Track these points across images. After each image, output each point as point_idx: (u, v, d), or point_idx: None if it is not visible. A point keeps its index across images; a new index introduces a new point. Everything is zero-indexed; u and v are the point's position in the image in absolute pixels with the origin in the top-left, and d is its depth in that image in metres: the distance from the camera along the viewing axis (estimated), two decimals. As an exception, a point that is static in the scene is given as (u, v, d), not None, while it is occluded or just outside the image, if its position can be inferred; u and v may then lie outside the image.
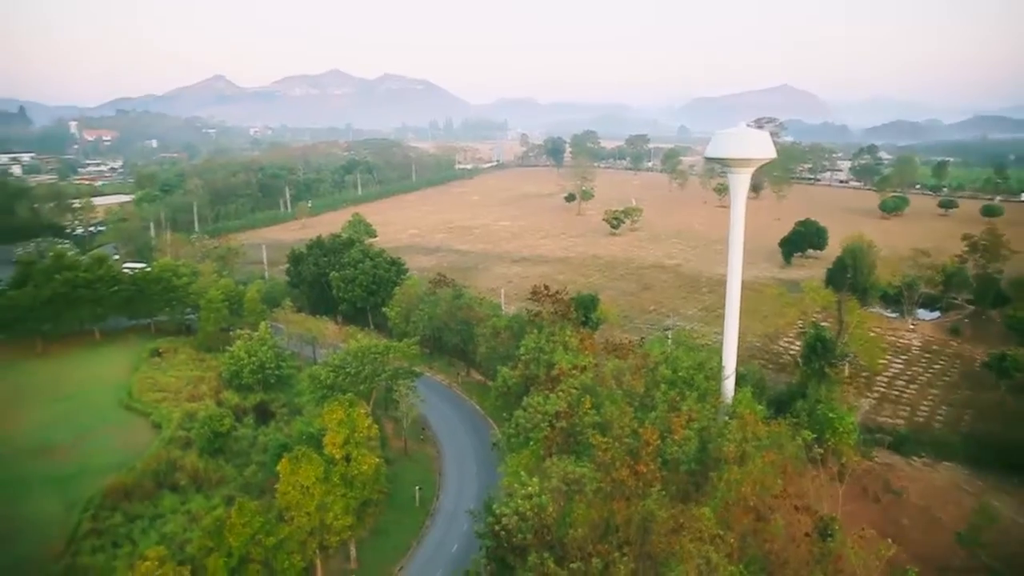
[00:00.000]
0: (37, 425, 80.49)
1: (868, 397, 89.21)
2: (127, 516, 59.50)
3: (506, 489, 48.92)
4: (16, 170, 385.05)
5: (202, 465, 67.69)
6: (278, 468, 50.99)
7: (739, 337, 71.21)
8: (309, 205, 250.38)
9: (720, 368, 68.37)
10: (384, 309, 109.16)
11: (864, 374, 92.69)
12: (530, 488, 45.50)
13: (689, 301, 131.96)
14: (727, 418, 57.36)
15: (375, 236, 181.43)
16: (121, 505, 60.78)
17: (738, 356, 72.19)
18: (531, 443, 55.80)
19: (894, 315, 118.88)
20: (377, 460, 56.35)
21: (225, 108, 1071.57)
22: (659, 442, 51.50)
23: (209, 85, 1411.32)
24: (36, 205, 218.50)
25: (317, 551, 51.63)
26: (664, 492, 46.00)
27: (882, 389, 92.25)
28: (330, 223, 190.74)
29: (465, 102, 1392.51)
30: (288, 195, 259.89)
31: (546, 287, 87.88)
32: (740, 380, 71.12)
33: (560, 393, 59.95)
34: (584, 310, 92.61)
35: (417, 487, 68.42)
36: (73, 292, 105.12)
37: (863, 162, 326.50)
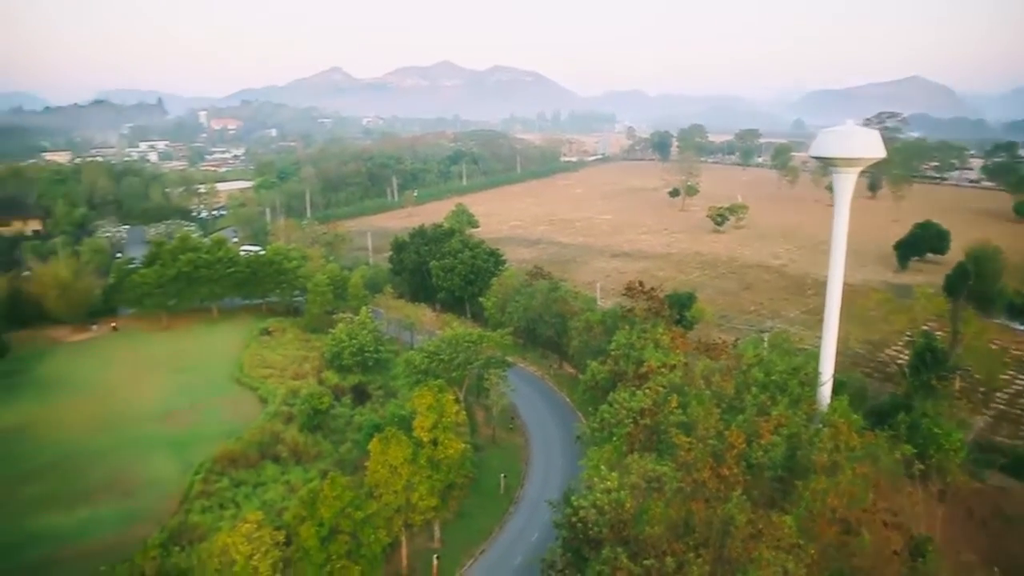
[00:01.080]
0: (160, 392, 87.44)
1: (984, 414, 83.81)
2: (233, 481, 63.95)
3: (586, 482, 49.51)
4: (152, 157, 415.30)
5: (302, 440, 71.62)
6: (369, 447, 53.58)
7: (841, 343, 68.66)
8: (415, 194, 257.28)
9: (816, 374, 66.14)
10: (481, 299, 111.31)
11: (981, 389, 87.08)
12: (609, 483, 45.91)
13: (792, 303, 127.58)
14: (820, 426, 55.62)
15: (477, 227, 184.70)
16: (228, 471, 65.37)
17: (838, 363, 69.62)
18: (614, 438, 56.07)
19: (1022, 327, 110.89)
20: (463, 445, 58.09)
21: (341, 99, 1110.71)
22: (745, 446, 50.71)
23: (327, 77, 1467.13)
24: (167, 189, 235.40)
25: (402, 528, 53.99)
26: (746, 497, 45.31)
27: (1001, 407, 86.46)
28: (434, 212, 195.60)
29: (573, 94, 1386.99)
30: (395, 184, 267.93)
31: (640, 283, 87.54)
32: (838, 388, 68.49)
33: (647, 390, 59.83)
34: (679, 308, 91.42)
35: (503, 475, 69.93)
36: (195, 272, 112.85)
37: (998, 160, 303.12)
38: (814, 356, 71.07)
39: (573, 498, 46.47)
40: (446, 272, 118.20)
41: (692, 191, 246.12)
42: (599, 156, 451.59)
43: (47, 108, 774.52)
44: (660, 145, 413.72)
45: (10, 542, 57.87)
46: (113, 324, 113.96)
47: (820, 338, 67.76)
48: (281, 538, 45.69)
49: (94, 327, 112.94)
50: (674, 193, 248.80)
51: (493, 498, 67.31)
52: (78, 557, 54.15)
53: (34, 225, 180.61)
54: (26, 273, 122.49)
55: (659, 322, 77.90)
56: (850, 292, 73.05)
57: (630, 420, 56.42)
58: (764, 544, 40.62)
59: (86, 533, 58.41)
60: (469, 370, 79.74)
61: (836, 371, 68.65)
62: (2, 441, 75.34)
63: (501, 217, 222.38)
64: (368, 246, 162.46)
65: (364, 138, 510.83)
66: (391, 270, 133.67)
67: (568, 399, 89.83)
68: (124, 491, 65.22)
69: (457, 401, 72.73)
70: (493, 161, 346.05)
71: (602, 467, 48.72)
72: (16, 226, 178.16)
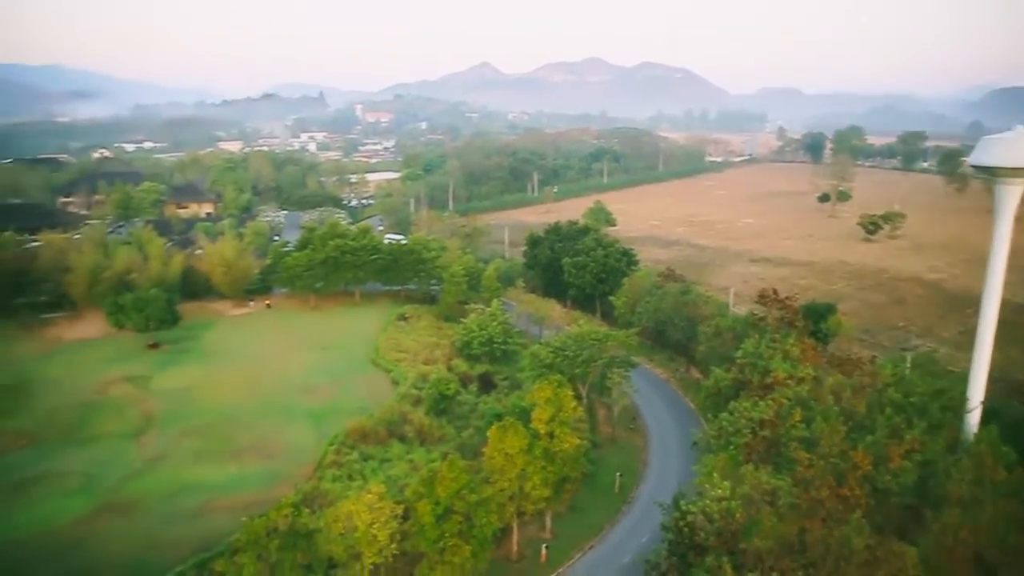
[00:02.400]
0: (304, 367, 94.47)
1: None
2: (362, 455, 68.31)
3: (697, 488, 49.15)
4: (312, 147, 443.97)
5: (428, 422, 75.20)
6: (488, 434, 55.75)
7: (998, 369, 63.49)
8: (555, 190, 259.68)
9: (963, 399, 61.62)
10: (611, 298, 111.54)
11: None
12: (720, 491, 45.43)
13: (947, 321, 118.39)
14: (960, 456, 52.04)
15: (614, 225, 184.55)
16: (358, 445, 69.86)
17: (991, 389, 64.42)
18: (731, 447, 55.12)
19: None
20: (579, 441, 59.06)
21: (489, 93, 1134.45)
22: (871, 468, 48.53)
23: (477, 71, 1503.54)
24: (322, 178, 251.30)
25: (514, 515, 55.81)
26: (867, 521, 43.47)
27: None
28: (573, 209, 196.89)
29: (725, 92, 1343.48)
30: (536, 180, 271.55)
31: (774, 291, 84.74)
32: (988, 417, 63.39)
33: (770, 401, 58.24)
34: (815, 319, 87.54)
35: (619, 473, 70.28)
36: (341, 257, 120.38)
37: None
38: (963, 380, 66.20)
39: (682, 503, 46.34)
40: (578, 269, 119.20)
41: (844, 196, 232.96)
42: (746, 157, 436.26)
43: (224, 101, 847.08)
44: (812, 147, 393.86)
45: (171, 489, 65.16)
46: (267, 302, 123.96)
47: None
48: (400, 511, 48.63)
49: (251, 303, 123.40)
50: (824, 198, 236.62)
51: (607, 496, 67.84)
52: (225, 508, 60.15)
53: (207, 208, 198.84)
54: (198, 251, 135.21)
55: (791, 332, 75.16)
56: (1013, 312, 67.29)
57: (749, 430, 55.21)
58: (882, 572, 38.96)
59: (233, 488, 64.68)
60: (593, 367, 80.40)
61: (987, 398, 63.59)
62: (171, 399, 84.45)
63: (639, 216, 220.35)
64: (505, 240, 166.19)
65: (509, 133, 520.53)
66: (525, 264, 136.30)
67: (693, 405, 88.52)
68: (268, 454, 71.55)
69: (578, 397, 74.04)
70: (635, 159, 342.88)
71: (715, 475, 48.19)
72: (192, 208, 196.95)
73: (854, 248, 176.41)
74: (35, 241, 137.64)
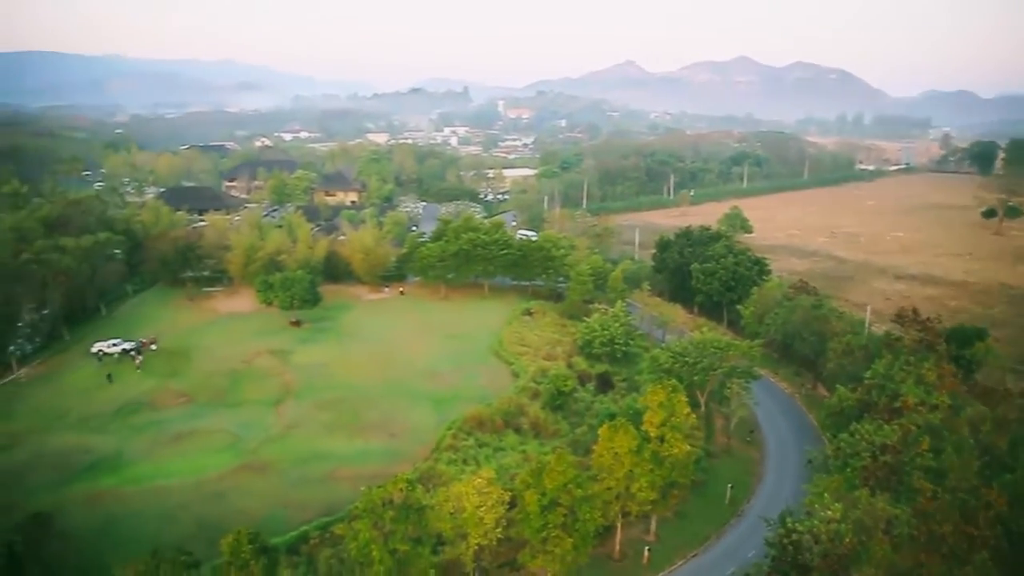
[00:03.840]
0: (431, 353, 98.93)
1: None
2: (478, 442, 71.23)
3: (807, 507, 47.93)
4: (453, 141, 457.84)
5: (543, 416, 77.11)
6: (599, 432, 56.79)
7: None
8: (691, 194, 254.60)
9: None
10: (739, 307, 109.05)
11: None
12: (831, 512, 44.18)
13: None
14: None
15: (750, 232, 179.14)
16: (475, 432, 72.85)
17: None
18: (847, 469, 53.14)
19: None
20: (689, 448, 58.86)
21: (631, 92, 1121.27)
22: (1005, 508, 45.55)
23: (620, 70, 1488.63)
24: (461, 172, 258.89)
25: (619, 515, 56.57)
26: (994, 564, 41.01)
27: None
28: (708, 213, 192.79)
29: (884, 94, 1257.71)
30: (672, 182, 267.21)
31: (914, 311, 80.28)
32: None
33: (896, 426, 55.55)
34: (960, 344, 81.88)
35: (730, 485, 69.21)
36: (473, 250, 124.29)
37: None
38: None
39: (789, 520, 45.42)
40: (706, 276, 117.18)
41: (1014, 213, 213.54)
42: (901, 166, 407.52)
43: (375, 95, 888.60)
44: (981, 156, 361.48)
45: (303, 455, 70.77)
46: (401, 289, 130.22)
47: None
48: (507, 498, 50.70)
49: (386, 290, 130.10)
50: (989, 213, 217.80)
51: (717, 506, 67.05)
52: (348, 478, 64.72)
53: (352, 196, 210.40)
54: (341, 237, 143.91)
55: (929, 356, 70.90)
56: None
57: (869, 454, 52.99)
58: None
59: (357, 460, 69.36)
60: (712, 376, 79.33)
61: None
62: (308, 373, 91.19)
63: (778, 224, 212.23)
64: (635, 241, 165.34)
65: (648, 133, 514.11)
66: (653, 267, 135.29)
67: (815, 422, 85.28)
68: (390, 432, 76.00)
69: (695, 405, 73.53)
70: (778, 164, 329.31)
71: (826, 495, 46.83)
72: (339, 196, 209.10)
73: (1019, 271, 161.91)
74: (202, 221, 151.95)
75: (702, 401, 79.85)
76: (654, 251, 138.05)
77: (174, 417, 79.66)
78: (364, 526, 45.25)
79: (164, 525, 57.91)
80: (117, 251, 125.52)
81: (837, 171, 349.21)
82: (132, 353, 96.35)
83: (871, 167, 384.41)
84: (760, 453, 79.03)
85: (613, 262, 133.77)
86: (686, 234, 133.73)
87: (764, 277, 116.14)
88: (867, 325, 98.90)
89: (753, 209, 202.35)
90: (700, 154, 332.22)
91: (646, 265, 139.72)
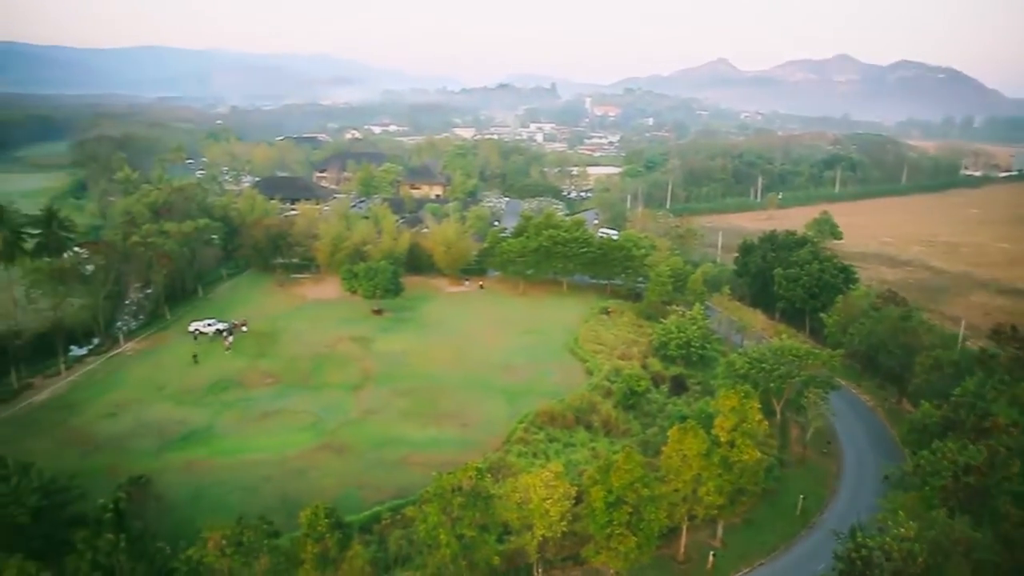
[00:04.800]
0: (506, 347, 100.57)
1: None
2: (548, 437, 72.22)
3: (879, 523, 46.81)
4: (539, 137, 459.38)
5: (615, 415, 77.38)
6: (668, 433, 56.90)
7: None
8: (779, 197, 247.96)
9: None
10: (822, 315, 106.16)
11: None
12: (905, 530, 43.09)
13: None
14: None
15: (840, 239, 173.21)
16: (546, 426, 73.87)
17: None
18: (926, 488, 51.45)
19: None
20: (760, 455, 58.20)
21: (722, 91, 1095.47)
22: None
23: (711, 68, 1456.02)
24: (545, 169, 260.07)
25: (685, 517, 56.54)
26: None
27: None
28: (796, 218, 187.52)
29: (999, 95, 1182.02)
30: (760, 184, 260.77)
31: (1013, 327, 76.48)
32: None
33: (983, 447, 53.39)
34: (1062, 364, 77.41)
35: (802, 496, 67.89)
36: (553, 247, 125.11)
37: None
38: None
39: (859, 534, 44.52)
40: (789, 281, 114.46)
41: None
42: (1013, 172, 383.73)
43: (463, 89, 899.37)
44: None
45: (379, 440, 73.55)
46: (480, 283, 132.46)
47: None
48: (574, 493, 51.52)
49: (466, 283, 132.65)
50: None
51: (787, 517, 65.93)
52: (421, 464, 66.79)
53: (437, 190, 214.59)
54: (424, 230, 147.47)
55: (1026, 376, 67.62)
56: None
57: (951, 473, 51.13)
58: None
59: (430, 447, 71.53)
60: (789, 384, 77.84)
61: None
62: (387, 361, 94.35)
63: (871, 231, 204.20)
64: (718, 244, 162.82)
65: (738, 133, 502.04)
66: (734, 271, 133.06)
67: (897, 438, 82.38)
68: (463, 422, 77.93)
69: (771, 413, 72.58)
70: (874, 169, 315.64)
71: (901, 513, 45.61)
72: (424, 189, 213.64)
73: None
74: (293, 210, 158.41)
75: (778, 409, 78.55)
76: (736, 254, 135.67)
77: (261, 396, 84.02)
78: (433, 510, 47.01)
79: (248, 496, 61.43)
80: (215, 236, 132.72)
81: (939, 177, 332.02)
82: (224, 333, 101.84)
83: (978, 173, 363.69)
84: (836, 465, 77.05)
85: (694, 264, 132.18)
86: (770, 238, 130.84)
87: (851, 286, 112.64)
88: (960, 340, 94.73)
89: (845, 215, 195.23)
90: (790, 156, 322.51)
91: (728, 268, 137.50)
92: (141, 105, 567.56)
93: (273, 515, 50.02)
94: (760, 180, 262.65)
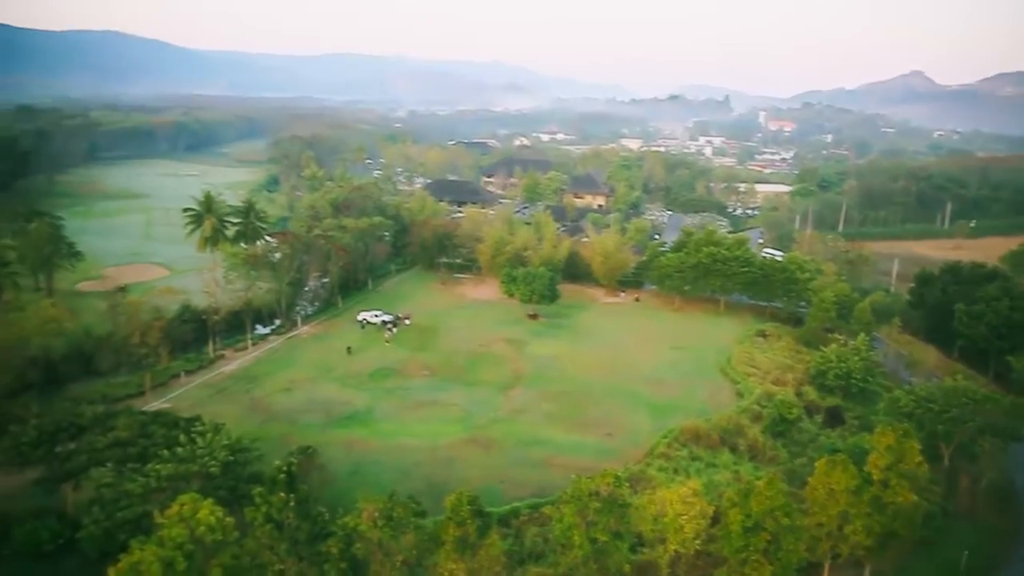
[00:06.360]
0: (656, 361, 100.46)
1: None
2: (691, 454, 71.61)
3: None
4: (707, 151, 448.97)
5: (762, 440, 75.26)
6: (816, 465, 55.03)
7: None
8: (971, 225, 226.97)
9: None
10: (1010, 358, 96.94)
11: None
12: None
13: None
14: None
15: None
16: (690, 444, 73.25)
17: None
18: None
19: None
20: (916, 499, 54.81)
21: (914, 107, 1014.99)
22: None
23: (904, 81, 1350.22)
24: (711, 184, 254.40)
25: (828, 554, 54.32)
26: None
27: None
28: (989, 249, 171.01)
29: None
30: (949, 210, 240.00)
31: None
32: None
33: None
34: None
35: (966, 552, 62.88)
36: (712, 265, 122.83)
37: None
38: None
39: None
40: (972, 318, 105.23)
41: None
42: None
43: (633, 100, 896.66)
44: None
45: (524, 439, 76.38)
46: (636, 296, 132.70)
47: None
48: (711, 513, 51.31)
49: (621, 295, 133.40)
50: None
51: (947, 572, 61.30)
52: (562, 466, 68.59)
53: (599, 200, 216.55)
54: (584, 239, 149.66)
55: None
56: None
57: None
58: None
59: (572, 451, 73.24)
60: (961, 429, 72.16)
61: None
62: (538, 364, 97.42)
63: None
64: (892, 272, 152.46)
65: (928, 153, 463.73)
66: (908, 303, 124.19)
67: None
68: (607, 431, 79.02)
69: (937, 458, 67.81)
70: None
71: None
72: (587, 199, 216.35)
73: None
74: (460, 213, 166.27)
75: (945, 455, 73.02)
76: (912, 285, 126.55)
77: (418, 386, 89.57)
78: (569, 511, 48.64)
79: (400, 477, 66.00)
80: (386, 233, 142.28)
81: None
82: (389, 325, 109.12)
83: None
84: (1013, 525, 70.44)
85: (863, 292, 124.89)
86: (953, 269, 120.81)
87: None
88: None
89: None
90: (989, 181, 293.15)
91: (901, 299, 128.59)
92: (329, 108, 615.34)
93: (420, 497, 53.71)
94: (949, 206, 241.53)
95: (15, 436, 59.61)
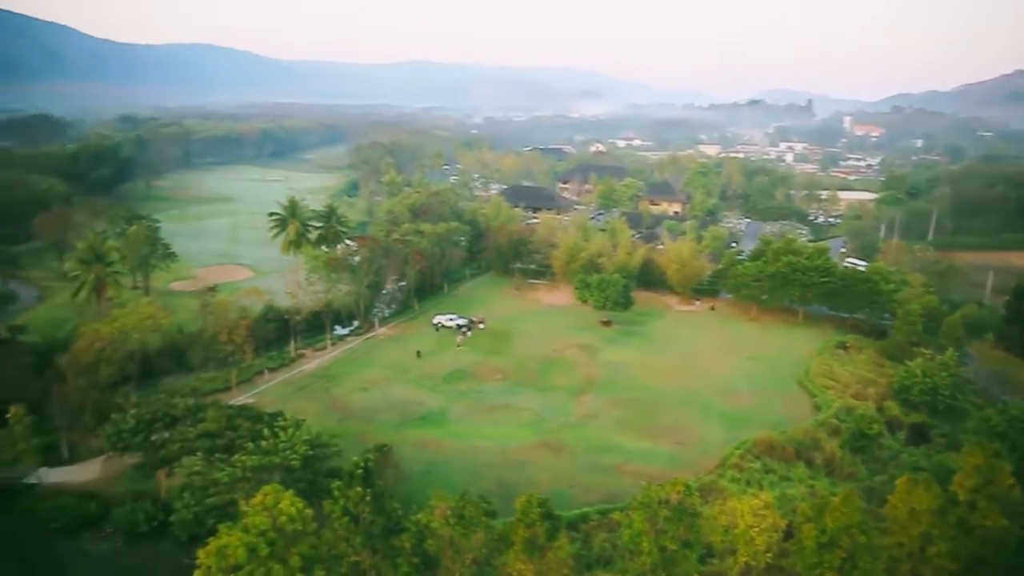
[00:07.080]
0: (730, 371, 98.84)
1: None
2: (764, 467, 70.28)
3: None
4: (788, 158, 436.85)
5: (839, 455, 73.16)
6: (897, 483, 53.29)
7: None
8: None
9: None
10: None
11: None
12: None
13: None
14: None
15: None
16: (763, 457, 71.88)
17: None
18: None
19: None
20: (1007, 524, 52.30)
21: (1018, 109, 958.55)
22: None
23: (1006, 81, 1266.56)
24: (792, 191, 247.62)
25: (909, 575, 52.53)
26: None
27: None
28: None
29: None
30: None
31: None
32: None
33: None
34: None
35: (1061, 581, 59.59)
36: (791, 274, 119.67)
37: None
38: None
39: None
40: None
41: None
42: None
43: (711, 105, 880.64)
44: None
45: (594, 444, 76.63)
46: (712, 304, 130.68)
47: None
48: (783, 526, 50.42)
49: (697, 303, 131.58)
50: None
51: (1040, 599, 58.36)
52: (632, 473, 68.63)
53: (676, 207, 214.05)
54: (660, 246, 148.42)
55: None
56: None
57: None
58: None
59: (643, 459, 73.01)
60: (1060, 451, 68.45)
61: None
62: (610, 371, 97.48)
63: None
64: (987, 285, 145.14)
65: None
66: (1004, 317, 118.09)
67: None
68: (678, 440, 78.37)
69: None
70: None
71: None
72: (663, 206, 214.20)
73: None
74: (535, 219, 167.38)
75: (1040, 476, 69.35)
76: (1008, 298, 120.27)
77: (490, 390, 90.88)
78: (639, 518, 48.70)
79: (471, 477, 67.22)
80: (462, 238, 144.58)
81: None
82: (463, 328, 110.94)
83: None
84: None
85: (953, 305, 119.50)
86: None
87: None
88: None
89: None
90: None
91: (996, 312, 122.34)
92: (408, 115, 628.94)
93: (491, 498, 54.53)
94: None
95: (116, 424, 63.94)
